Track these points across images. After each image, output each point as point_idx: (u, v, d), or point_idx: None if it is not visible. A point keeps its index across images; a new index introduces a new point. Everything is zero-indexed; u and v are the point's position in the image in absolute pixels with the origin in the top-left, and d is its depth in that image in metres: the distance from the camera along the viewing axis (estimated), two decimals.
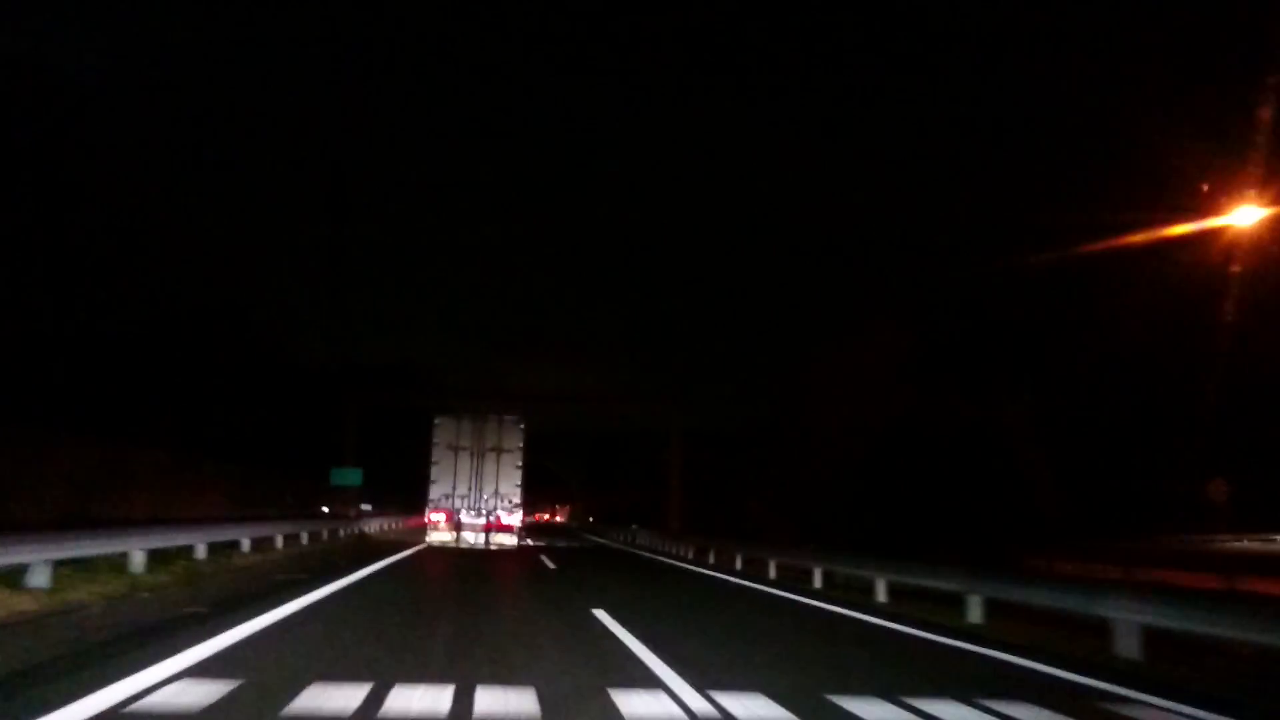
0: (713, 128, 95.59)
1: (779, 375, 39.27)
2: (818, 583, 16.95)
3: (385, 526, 36.85)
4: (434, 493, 23.63)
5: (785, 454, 34.18)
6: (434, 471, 23.62)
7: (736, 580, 18.18)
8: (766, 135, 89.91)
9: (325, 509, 25.31)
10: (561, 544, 33.36)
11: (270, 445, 32.93)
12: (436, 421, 23.95)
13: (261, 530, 19.40)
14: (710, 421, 43.16)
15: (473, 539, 23.52)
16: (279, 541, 20.66)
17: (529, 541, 31.88)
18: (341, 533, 28.33)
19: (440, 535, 23.65)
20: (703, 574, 20.23)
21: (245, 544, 17.98)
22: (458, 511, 23.52)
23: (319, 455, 34.03)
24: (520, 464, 23.92)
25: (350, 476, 32.74)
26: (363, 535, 30.99)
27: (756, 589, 16.12)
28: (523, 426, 24.05)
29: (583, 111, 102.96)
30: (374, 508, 35.38)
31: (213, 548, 16.00)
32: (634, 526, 41.30)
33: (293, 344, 47.49)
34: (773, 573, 19.51)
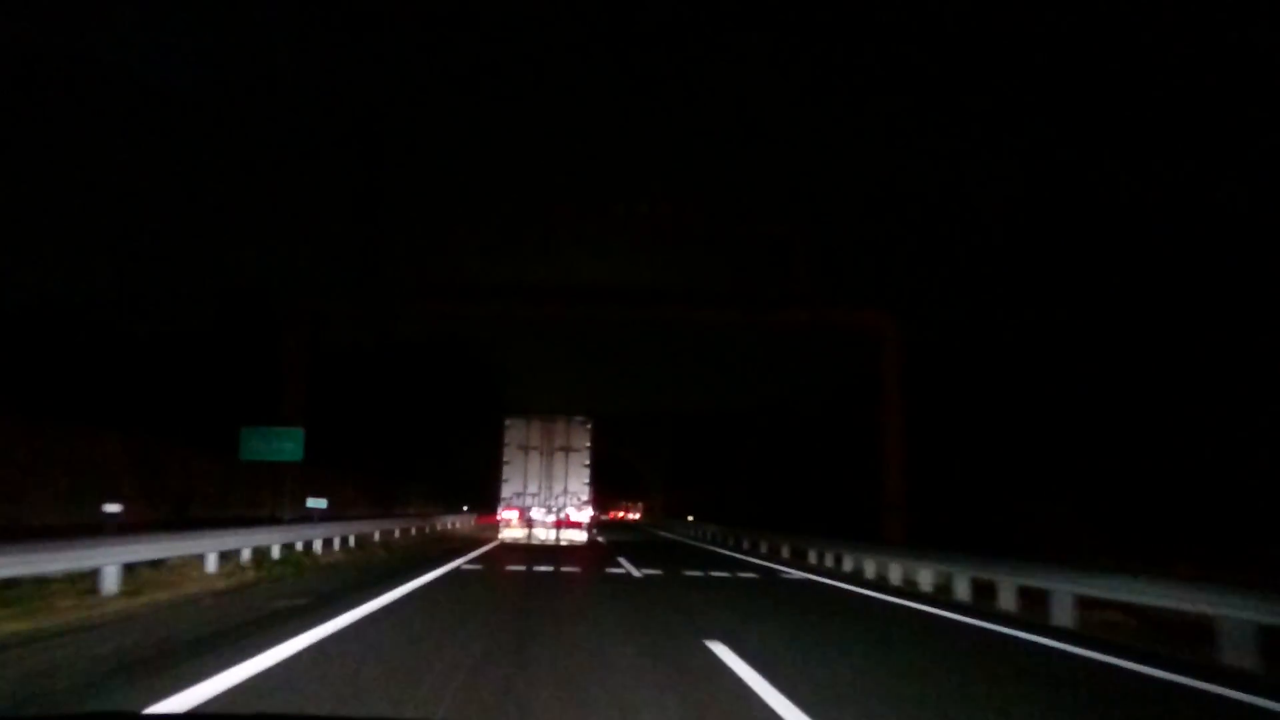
0: None
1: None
2: None
3: (377, 534, 21.52)
4: (506, 491, 24.20)
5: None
6: (505, 471, 24.27)
7: None
8: None
9: (111, 509, 10.45)
10: (693, 571, 17.45)
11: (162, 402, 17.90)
12: (507, 423, 24.69)
13: None
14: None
15: (544, 535, 23.92)
16: None
17: (635, 571, 16.57)
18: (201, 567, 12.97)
19: (513, 532, 24.03)
20: None
21: None
22: (529, 509, 24.06)
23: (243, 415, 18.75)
24: (588, 463, 24.56)
25: (279, 444, 17.19)
26: (306, 560, 15.69)
27: None
28: (589, 426, 24.72)
29: None
30: (330, 506, 19.35)
31: None
32: (728, 531, 25.58)
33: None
34: None
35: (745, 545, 28.66)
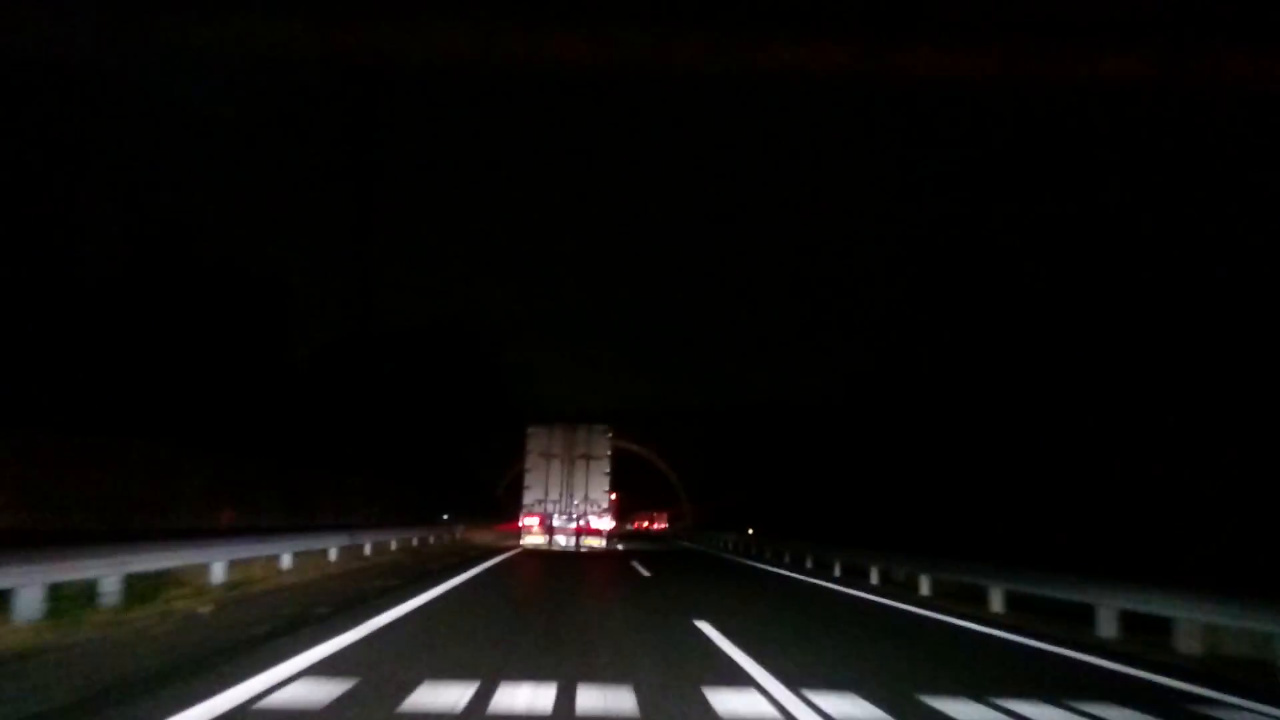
0: None
1: None
2: None
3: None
4: (528, 498, 24.47)
5: None
6: (528, 478, 24.55)
7: None
8: None
9: None
10: (938, 697, 7.09)
11: None
12: (529, 431, 24.93)
13: None
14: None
15: (564, 542, 24.34)
16: None
17: (776, 684, 5.83)
18: None
19: (534, 539, 24.33)
20: None
21: None
22: (550, 516, 24.27)
23: None
24: (608, 471, 24.92)
25: None
26: None
27: None
28: (610, 435, 25.24)
29: None
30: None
31: None
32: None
33: None
34: None
35: (846, 569, 18.40)
